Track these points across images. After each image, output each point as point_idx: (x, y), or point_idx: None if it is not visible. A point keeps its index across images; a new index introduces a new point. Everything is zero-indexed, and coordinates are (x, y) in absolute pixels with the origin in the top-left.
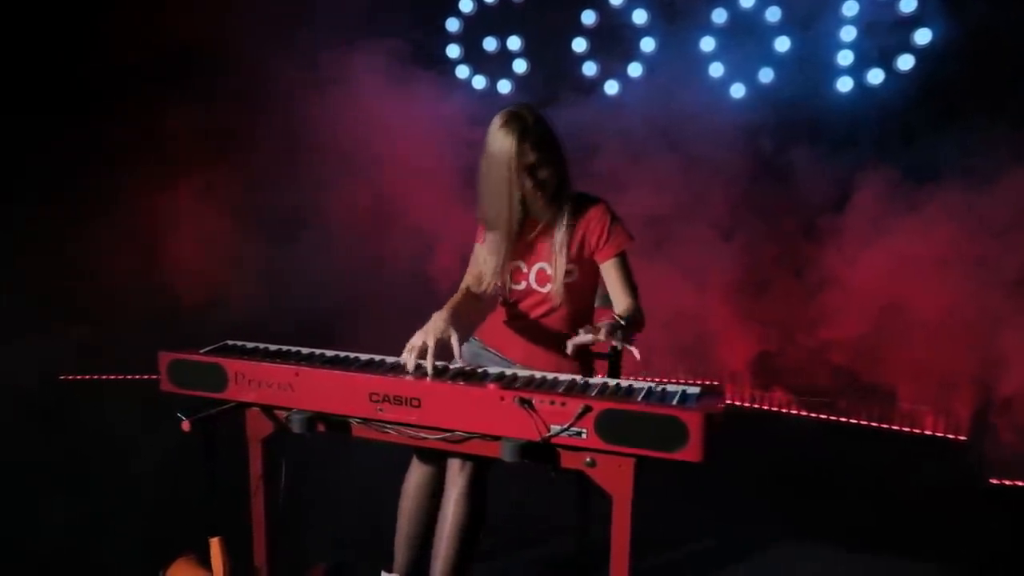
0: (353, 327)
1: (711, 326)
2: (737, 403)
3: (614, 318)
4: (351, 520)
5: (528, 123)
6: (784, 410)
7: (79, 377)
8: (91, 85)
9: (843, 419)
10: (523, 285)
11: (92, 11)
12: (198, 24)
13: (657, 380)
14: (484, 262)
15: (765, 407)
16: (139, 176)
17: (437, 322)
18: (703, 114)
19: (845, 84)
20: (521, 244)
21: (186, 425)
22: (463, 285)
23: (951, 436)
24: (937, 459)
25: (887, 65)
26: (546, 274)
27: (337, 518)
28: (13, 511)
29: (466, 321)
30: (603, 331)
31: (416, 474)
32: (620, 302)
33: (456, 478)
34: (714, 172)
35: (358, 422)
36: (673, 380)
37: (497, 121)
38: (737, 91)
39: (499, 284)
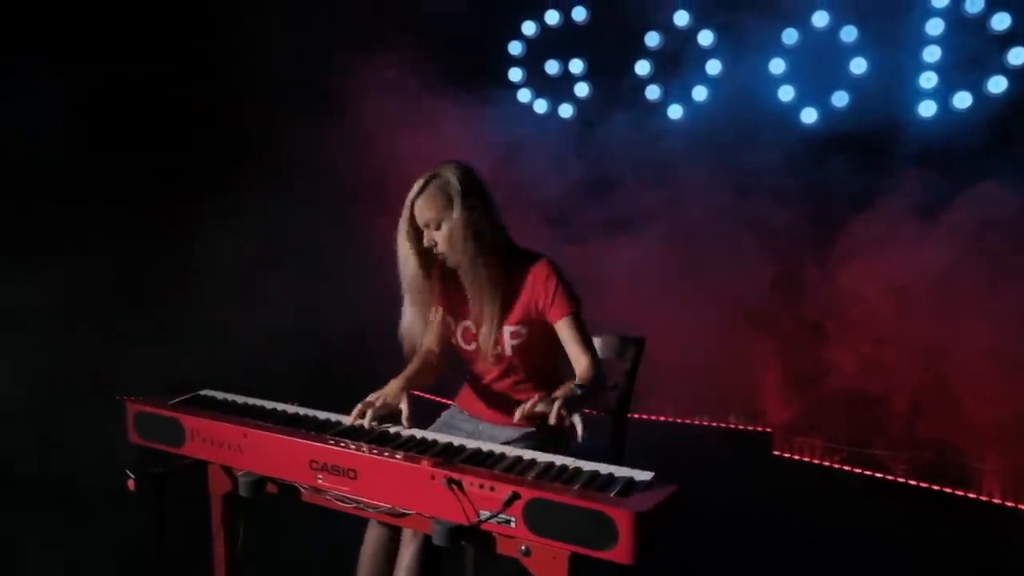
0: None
1: (758, 365)
2: (787, 455)
3: (571, 387)
4: None
5: (433, 181)
6: (835, 465)
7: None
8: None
9: (899, 479)
10: (473, 346)
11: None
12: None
13: (709, 421)
14: (410, 326)
15: (813, 460)
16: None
17: (391, 386)
18: (771, 140)
19: (928, 108)
20: (467, 306)
21: (131, 484)
22: (425, 346)
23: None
24: (1007, 534)
25: (976, 88)
26: (492, 337)
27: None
28: None
29: (423, 385)
30: (556, 405)
31: (373, 536)
32: (578, 363)
33: (408, 545)
34: (780, 202)
35: (305, 489)
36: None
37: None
38: (808, 116)
39: (444, 344)
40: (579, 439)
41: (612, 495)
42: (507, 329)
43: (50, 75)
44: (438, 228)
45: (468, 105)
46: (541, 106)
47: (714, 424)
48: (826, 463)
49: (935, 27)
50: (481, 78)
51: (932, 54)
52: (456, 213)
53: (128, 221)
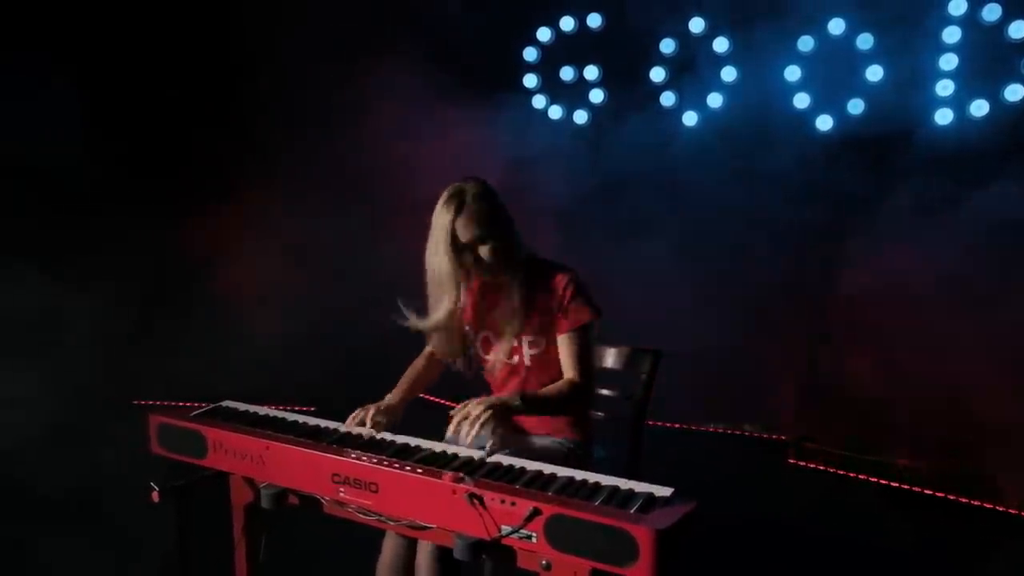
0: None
1: (773, 372)
2: (802, 463)
3: (512, 395)
4: None
5: (467, 198)
6: (851, 473)
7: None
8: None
9: (915, 488)
10: (493, 356)
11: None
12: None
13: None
14: (437, 343)
15: (829, 469)
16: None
17: (392, 396)
18: (786, 146)
19: (944, 116)
20: (488, 316)
21: (155, 496)
22: (427, 349)
23: None
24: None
25: (993, 96)
26: (512, 345)
27: None
28: None
29: (423, 390)
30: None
31: (390, 547)
32: (565, 375)
33: (424, 556)
34: (795, 208)
35: (326, 501)
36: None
37: (442, 197)
38: (824, 123)
39: (463, 360)
40: (485, 456)
41: (632, 511)
42: (525, 339)
43: (71, 85)
44: (483, 243)
45: (483, 111)
46: (556, 112)
47: (728, 432)
48: (842, 472)
49: (952, 35)
50: (496, 84)
51: (949, 62)
52: (499, 227)
53: (146, 229)
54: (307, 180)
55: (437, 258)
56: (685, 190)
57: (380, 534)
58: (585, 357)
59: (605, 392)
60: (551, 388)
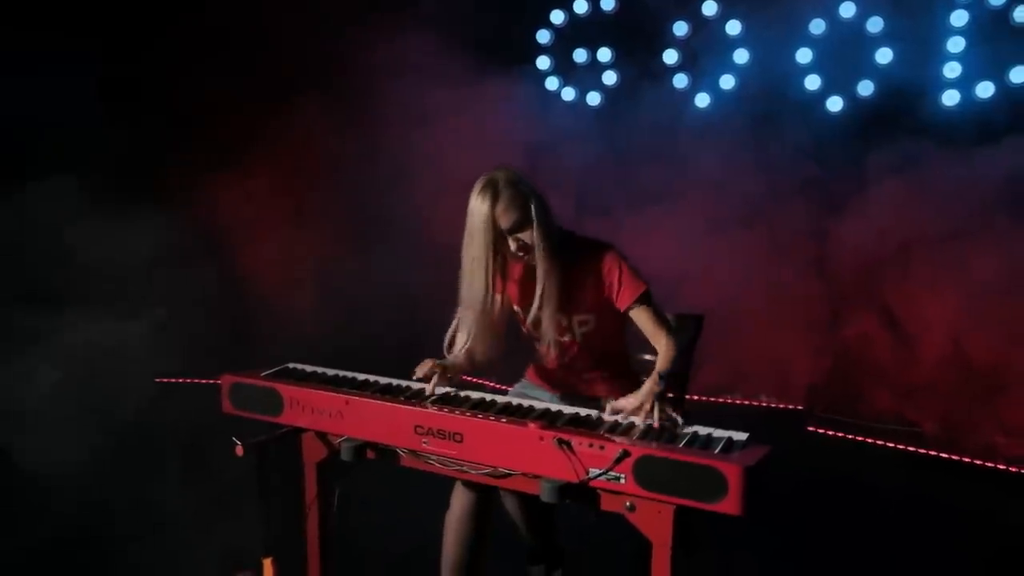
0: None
1: (791, 344)
2: (820, 430)
3: (656, 380)
4: (403, 543)
5: (500, 187)
6: (868, 439)
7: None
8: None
9: (931, 452)
10: (544, 334)
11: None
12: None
13: (740, 400)
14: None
15: (847, 436)
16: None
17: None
18: (797, 127)
19: (952, 98)
20: (534, 297)
21: (239, 450)
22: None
23: None
24: None
25: (998, 78)
26: (561, 325)
27: (389, 541)
28: (79, 506)
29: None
30: (654, 412)
31: (460, 500)
32: (656, 343)
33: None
34: (805, 190)
35: (405, 453)
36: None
37: (475, 189)
38: (834, 104)
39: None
40: (679, 429)
41: (717, 452)
42: (576, 317)
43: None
44: (522, 229)
45: (496, 93)
46: (569, 94)
47: (745, 403)
48: (859, 438)
49: (959, 18)
50: (509, 66)
51: (956, 44)
52: (535, 211)
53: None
54: (325, 162)
55: (474, 247)
56: (697, 170)
57: (446, 489)
58: (664, 318)
59: (647, 357)
60: (665, 358)
